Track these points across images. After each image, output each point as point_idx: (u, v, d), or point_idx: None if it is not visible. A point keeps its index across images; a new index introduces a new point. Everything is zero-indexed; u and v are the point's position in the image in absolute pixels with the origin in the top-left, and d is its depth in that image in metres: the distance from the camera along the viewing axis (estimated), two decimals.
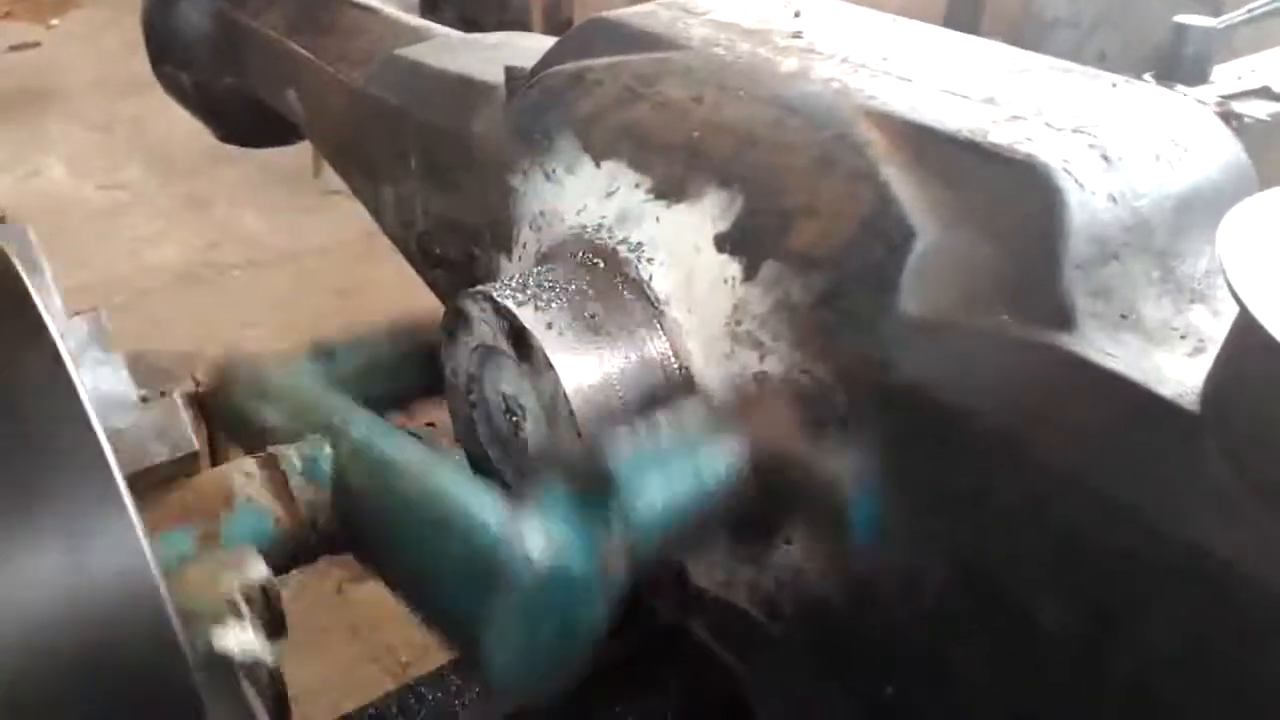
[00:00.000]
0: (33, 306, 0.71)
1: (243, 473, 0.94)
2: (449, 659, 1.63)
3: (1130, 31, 4.70)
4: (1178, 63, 1.64)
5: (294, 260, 4.82)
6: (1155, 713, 0.81)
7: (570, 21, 6.09)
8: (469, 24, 7.39)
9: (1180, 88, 1.62)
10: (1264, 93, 1.62)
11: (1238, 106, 1.58)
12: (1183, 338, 0.85)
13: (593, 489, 0.86)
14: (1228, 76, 1.67)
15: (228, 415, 1.11)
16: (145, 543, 0.63)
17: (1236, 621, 0.73)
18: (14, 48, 7.29)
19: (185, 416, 0.95)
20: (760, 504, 0.94)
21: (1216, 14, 1.93)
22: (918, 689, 0.98)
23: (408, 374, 1.19)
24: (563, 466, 0.91)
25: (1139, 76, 1.69)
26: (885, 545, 0.93)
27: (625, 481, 0.87)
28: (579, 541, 0.85)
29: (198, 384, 3.56)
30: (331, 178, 1.81)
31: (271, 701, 0.79)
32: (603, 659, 1.39)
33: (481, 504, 0.87)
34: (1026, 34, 5.23)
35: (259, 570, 0.89)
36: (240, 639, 0.85)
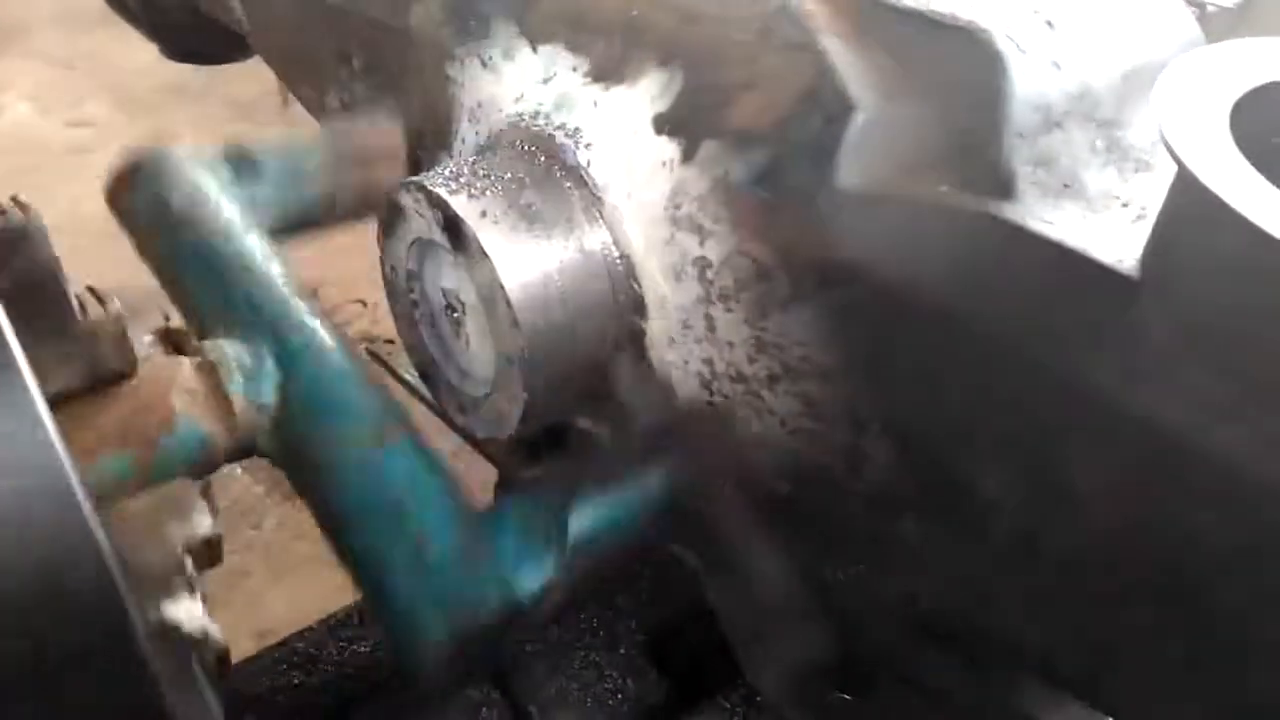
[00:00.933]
0: None
1: (181, 386, 0.91)
2: None
3: None
4: None
5: None
6: (1094, 578, 0.81)
7: None
8: None
9: None
10: None
11: None
12: (1125, 205, 0.83)
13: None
14: None
15: (133, 212, 1.08)
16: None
17: (1174, 481, 0.72)
18: None
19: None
20: None
21: None
22: (863, 569, 0.97)
23: (335, 183, 1.16)
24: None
25: None
26: (826, 425, 0.92)
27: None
28: (531, 569, 0.90)
29: (167, 319, 3.53)
30: (298, 109, 1.77)
31: (215, 677, 0.77)
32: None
33: (438, 508, 0.89)
34: None
35: (204, 524, 0.87)
36: (189, 610, 0.84)
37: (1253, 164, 0.69)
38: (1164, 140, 0.67)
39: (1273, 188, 0.64)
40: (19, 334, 0.63)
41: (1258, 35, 1.51)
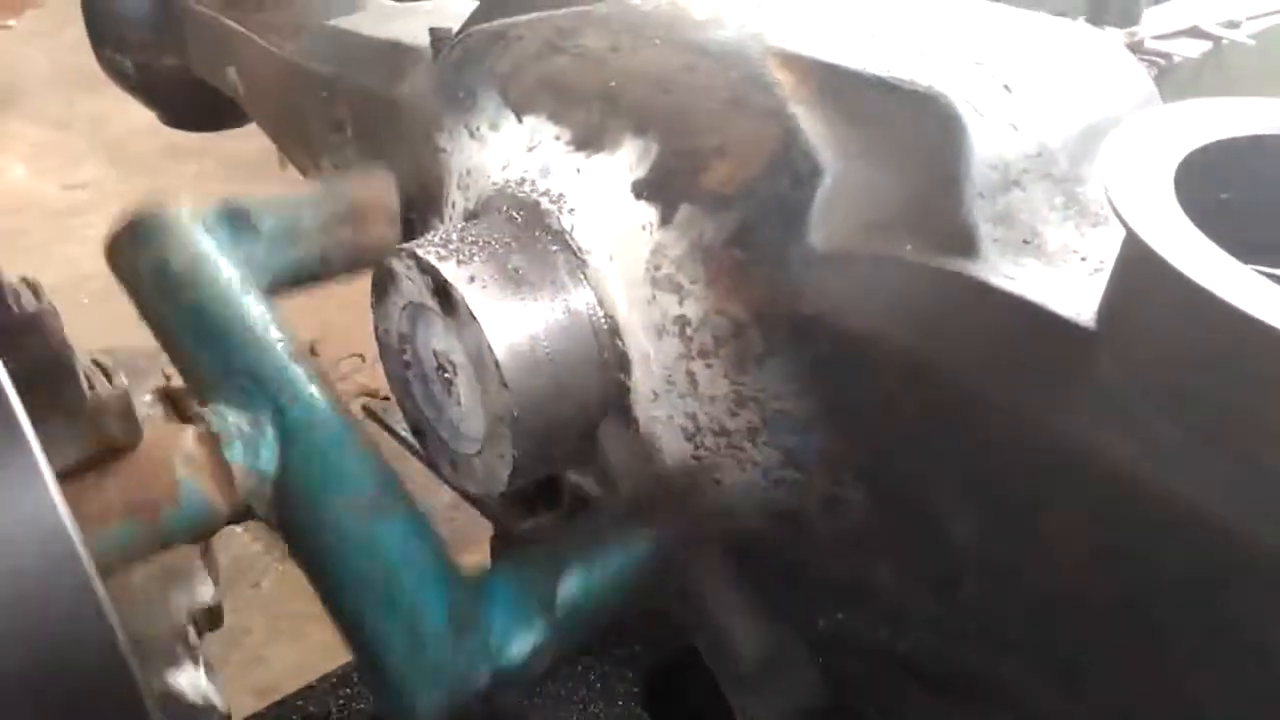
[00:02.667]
0: None
1: (184, 455, 0.93)
2: None
3: None
4: (1107, 5, 1.66)
5: None
6: (1063, 618, 0.83)
7: None
8: None
9: (1110, 29, 1.64)
10: (1193, 31, 1.64)
11: (1168, 46, 1.60)
12: (1083, 259, 0.86)
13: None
14: (1158, 17, 1.69)
15: (133, 272, 1.11)
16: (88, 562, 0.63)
17: (1134, 522, 0.75)
18: None
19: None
20: None
21: None
22: (847, 616, 1.00)
23: (330, 241, 1.19)
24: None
25: (1070, 18, 1.71)
26: (805, 475, 0.95)
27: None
28: (522, 636, 0.93)
29: (168, 378, 3.53)
30: (295, 170, 1.82)
31: None
32: None
33: (431, 580, 0.92)
34: None
35: (206, 593, 0.90)
36: (193, 679, 0.86)
37: (1202, 219, 0.74)
38: (1109, 201, 0.71)
39: (1212, 245, 0.68)
40: (29, 410, 0.66)
41: (1223, 82, 1.57)
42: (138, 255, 1.12)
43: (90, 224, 5.36)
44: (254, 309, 1.05)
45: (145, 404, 3.47)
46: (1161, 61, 1.53)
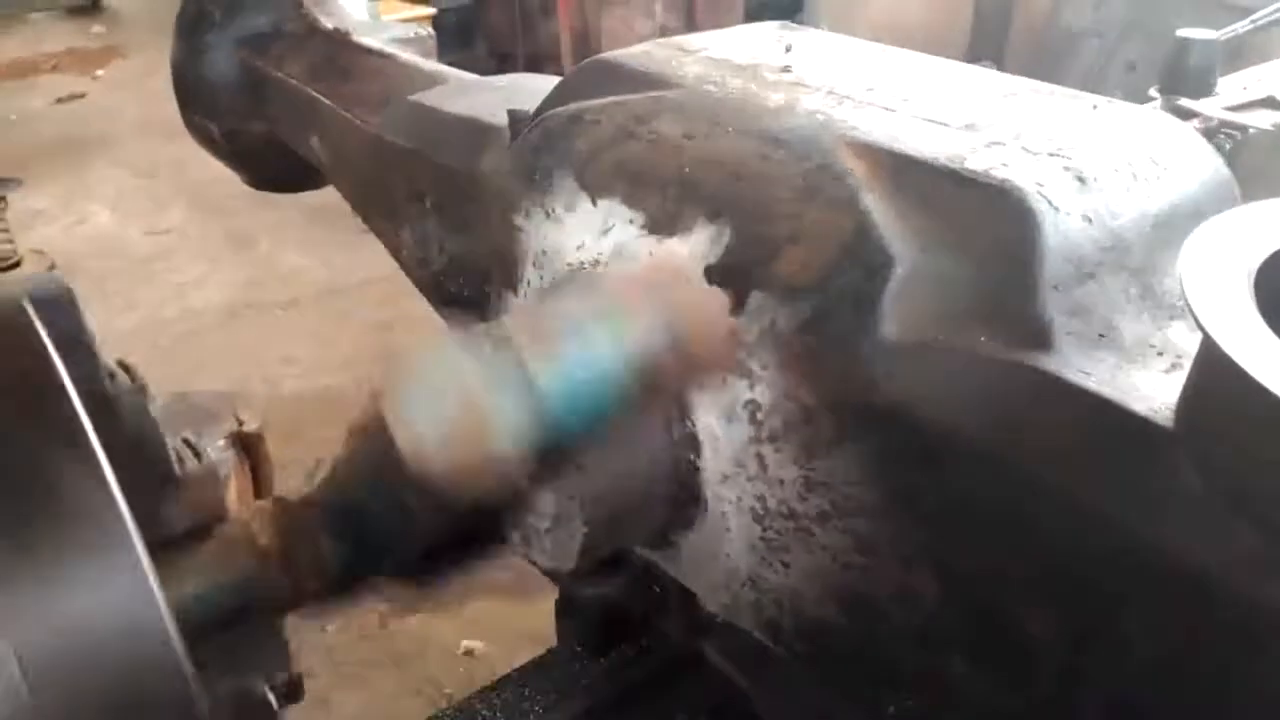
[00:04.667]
0: (57, 380, 0.75)
1: (267, 534, 0.95)
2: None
3: (1158, 40, 4.69)
4: (1182, 76, 1.65)
5: (334, 296, 4.94)
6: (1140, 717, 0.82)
7: (599, 53, 6.20)
8: (501, 57, 7.42)
9: (1185, 101, 1.63)
10: (1269, 102, 1.62)
11: (1243, 117, 1.58)
12: (1160, 354, 0.86)
13: None
14: (1233, 87, 1.68)
15: None
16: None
17: (1211, 627, 0.74)
18: (61, 100, 7.55)
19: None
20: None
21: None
22: (918, 704, 0.99)
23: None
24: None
25: (1150, 90, 1.70)
26: (876, 561, 0.95)
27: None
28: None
29: (240, 423, 3.62)
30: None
31: None
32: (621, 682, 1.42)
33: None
34: (1053, 44, 5.24)
35: (287, 664, 0.93)
36: None
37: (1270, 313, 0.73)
38: (1189, 309, 0.71)
39: None
40: (125, 489, 0.70)
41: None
42: None
43: (172, 268, 5.55)
44: None
45: (218, 448, 3.54)
46: (1237, 135, 1.52)
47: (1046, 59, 5.22)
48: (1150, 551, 0.77)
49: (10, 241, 5.47)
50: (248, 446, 3.50)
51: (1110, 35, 4.87)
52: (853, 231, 0.93)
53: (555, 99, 1.29)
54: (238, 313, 5.14)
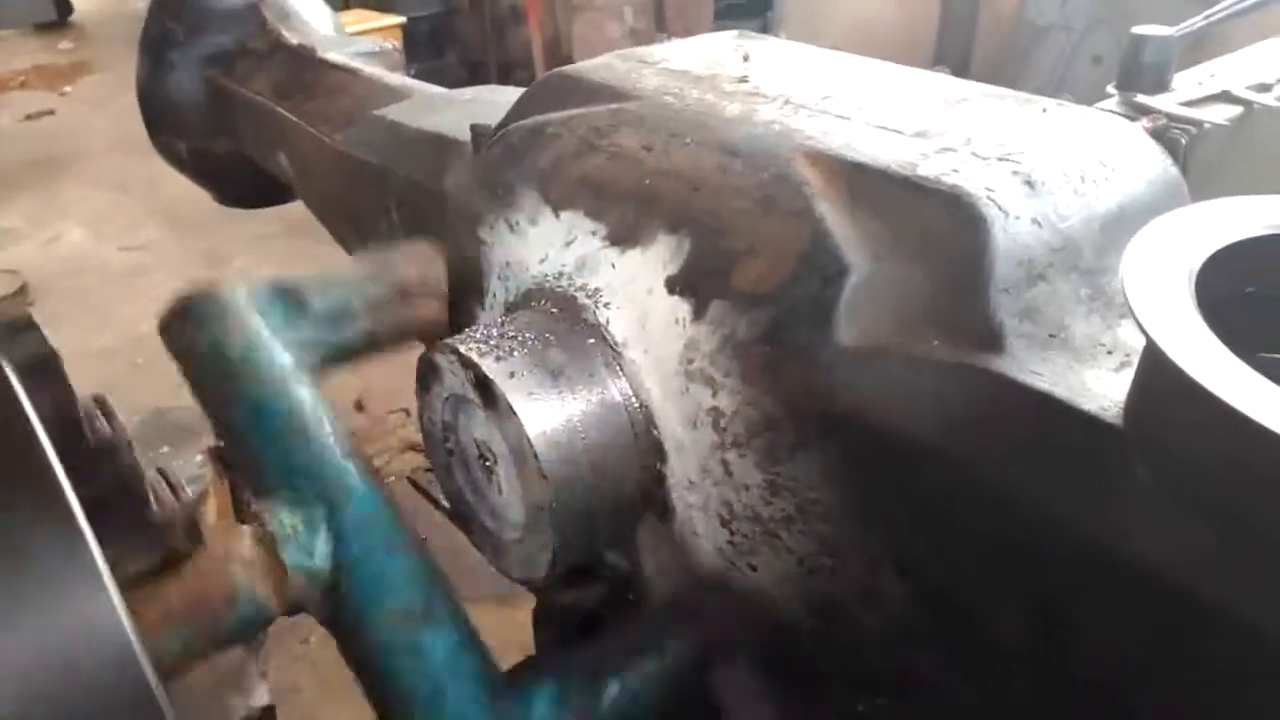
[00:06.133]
0: (26, 426, 0.75)
1: (241, 560, 0.96)
2: None
3: (1124, 34, 4.74)
4: (1139, 72, 1.68)
5: None
6: (1107, 714, 0.84)
7: (570, 59, 6.21)
8: (472, 65, 7.41)
9: (1141, 97, 1.65)
10: (1224, 97, 1.65)
11: (1198, 113, 1.61)
12: (1109, 353, 0.88)
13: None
14: (1190, 82, 1.70)
15: (189, 353, 1.13)
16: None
17: (1164, 621, 0.76)
18: (30, 116, 7.51)
19: None
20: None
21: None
22: (887, 703, 1.01)
23: (379, 320, 1.22)
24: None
25: (1108, 87, 1.72)
26: (841, 563, 0.96)
27: None
28: None
29: (217, 438, 3.58)
30: None
31: None
32: None
33: (475, 692, 0.96)
34: (1021, 39, 5.28)
35: (262, 697, 0.93)
36: None
37: (1227, 312, 0.75)
38: (1130, 310, 0.73)
39: (1227, 351, 0.69)
40: (101, 528, 0.70)
41: (1251, 151, 1.57)
42: (192, 336, 1.14)
43: (149, 284, 5.53)
44: (308, 402, 1.09)
45: (196, 464, 3.53)
46: (1193, 130, 1.54)
47: (1014, 54, 5.27)
48: (1102, 548, 0.78)
49: None
50: (225, 462, 3.50)
51: (1076, 29, 4.91)
52: (808, 241, 0.95)
53: (517, 112, 1.31)
54: None
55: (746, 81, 1.20)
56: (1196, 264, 0.76)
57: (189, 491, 0.91)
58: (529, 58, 6.57)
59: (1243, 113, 1.60)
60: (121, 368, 4.67)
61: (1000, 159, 0.97)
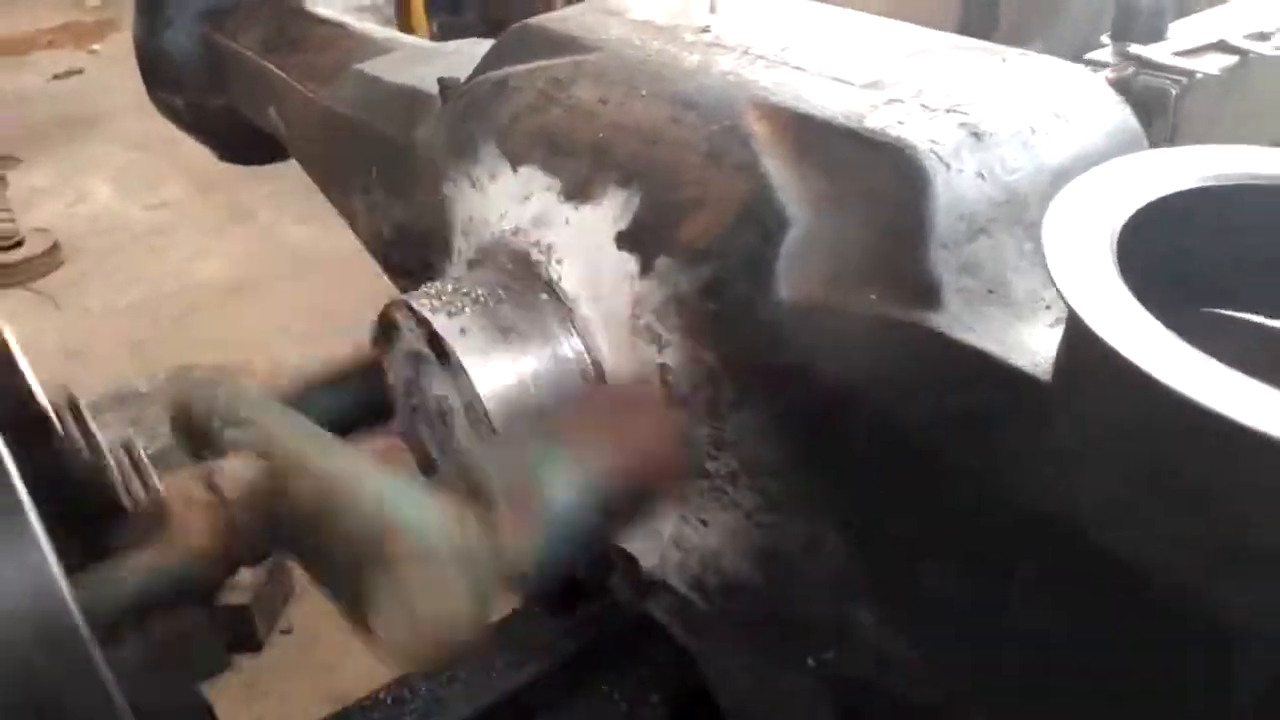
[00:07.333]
0: None
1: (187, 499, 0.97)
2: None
3: None
4: (1133, 21, 1.64)
5: (335, 264, 4.96)
6: (1035, 665, 0.84)
7: None
8: (494, 23, 7.40)
9: (1135, 46, 1.61)
10: (1220, 46, 1.60)
11: (1192, 62, 1.57)
12: (1048, 308, 0.87)
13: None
14: (1185, 31, 1.66)
15: (192, 433, 1.15)
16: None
17: (1086, 578, 0.76)
18: (57, 76, 7.56)
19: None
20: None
21: None
22: (835, 657, 1.01)
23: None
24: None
25: (1101, 37, 1.68)
26: (785, 518, 0.97)
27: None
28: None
29: None
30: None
31: None
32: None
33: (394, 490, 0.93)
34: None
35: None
36: None
37: (1161, 267, 0.74)
38: (1050, 275, 0.71)
39: (1149, 315, 0.68)
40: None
41: (1246, 102, 1.53)
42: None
43: (173, 244, 5.58)
44: None
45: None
46: (1183, 80, 1.50)
47: (1042, 5, 5.14)
48: (1027, 504, 0.78)
49: (12, 220, 5.51)
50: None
51: None
52: (751, 194, 0.94)
53: (485, 65, 1.30)
54: (240, 285, 5.17)
55: (708, 32, 1.19)
56: (1120, 221, 0.75)
57: (155, 476, 0.92)
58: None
59: (1238, 62, 1.55)
60: (146, 326, 4.73)
61: (948, 110, 0.95)
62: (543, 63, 1.22)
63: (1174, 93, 1.51)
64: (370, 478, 0.96)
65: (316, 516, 0.97)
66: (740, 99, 1.03)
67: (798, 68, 1.07)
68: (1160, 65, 1.55)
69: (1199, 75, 1.53)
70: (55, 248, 5.69)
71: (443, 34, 6.55)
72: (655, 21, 1.24)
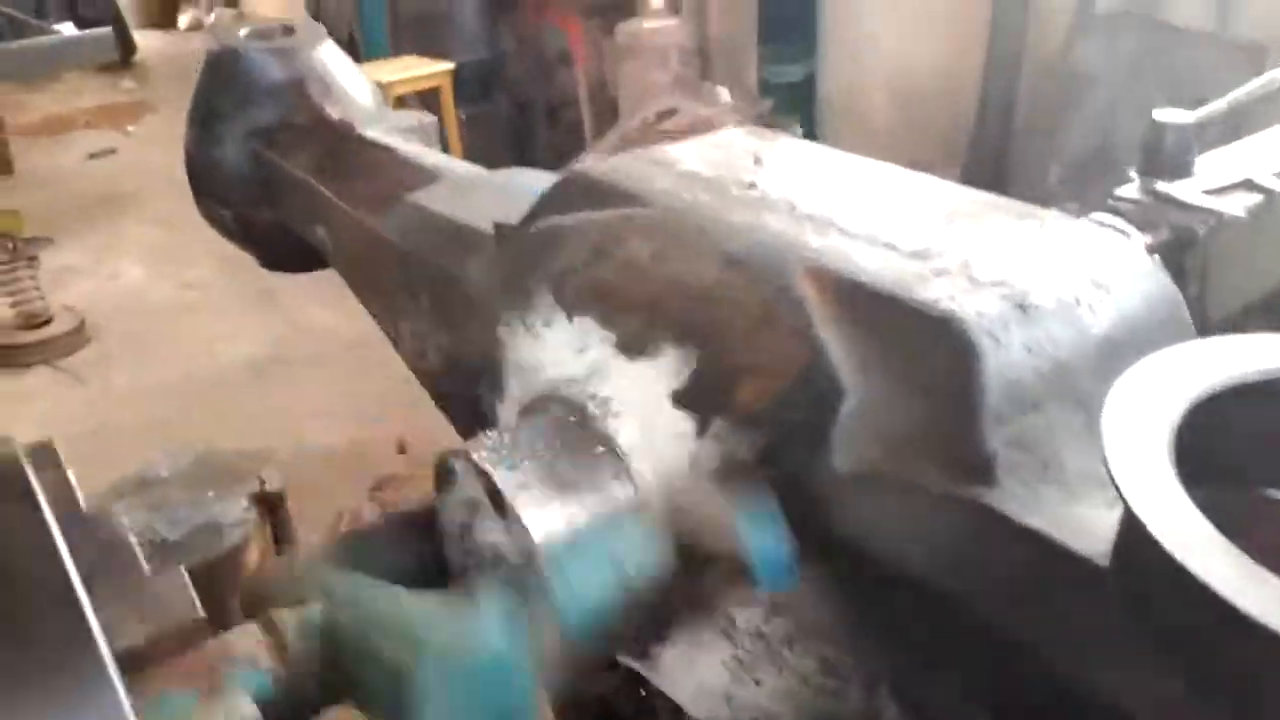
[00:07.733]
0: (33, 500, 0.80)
1: (245, 633, 1.00)
2: None
3: (1166, 85, 4.69)
4: (1159, 158, 1.68)
5: (360, 349, 5.03)
6: None
7: (614, 102, 6.30)
8: (520, 107, 7.51)
9: (1162, 185, 1.65)
10: (1247, 185, 1.64)
11: (1218, 202, 1.60)
12: (1103, 487, 0.89)
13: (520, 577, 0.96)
14: (1212, 166, 1.70)
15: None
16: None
17: None
18: (93, 155, 7.75)
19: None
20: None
21: (1257, 73, 1.94)
22: None
23: None
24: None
25: (1129, 171, 1.72)
26: (842, 685, 0.98)
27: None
28: (510, 628, 0.94)
29: (262, 483, 3.69)
30: None
31: None
32: None
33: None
34: (1063, 87, 5.25)
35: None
36: None
37: (1212, 455, 0.77)
38: (1107, 470, 0.74)
39: (1201, 517, 0.70)
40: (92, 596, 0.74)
41: (1274, 241, 1.56)
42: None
43: (201, 324, 5.67)
44: None
45: (241, 508, 3.57)
46: (1211, 221, 1.54)
47: (1058, 98, 5.24)
48: (1077, 686, 0.80)
49: (42, 298, 5.61)
50: (269, 506, 3.57)
51: (1119, 80, 4.87)
52: (805, 362, 0.97)
53: (537, 212, 1.35)
54: (265, 368, 5.23)
55: (754, 187, 1.23)
56: (1174, 420, 0.77)
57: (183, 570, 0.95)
58: (576, 99, 6.68)
59: (1263, 201, 1.59)
60: (176, 406, 4.78)
61: (994, 283, 0.98)
62: (593, 214, 1.26)
63: (1201, 233, 1.55)
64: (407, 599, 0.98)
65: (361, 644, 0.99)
66: (790, 261, 1.06)
67: (844, 229, 1.11)
68: (1187, 205, 1.59)
69: (1227, 217, 1.57)
70: (82, 326, 5.77)
71: (470, 119, 6.74)
72: (702, 174, 1.29)
